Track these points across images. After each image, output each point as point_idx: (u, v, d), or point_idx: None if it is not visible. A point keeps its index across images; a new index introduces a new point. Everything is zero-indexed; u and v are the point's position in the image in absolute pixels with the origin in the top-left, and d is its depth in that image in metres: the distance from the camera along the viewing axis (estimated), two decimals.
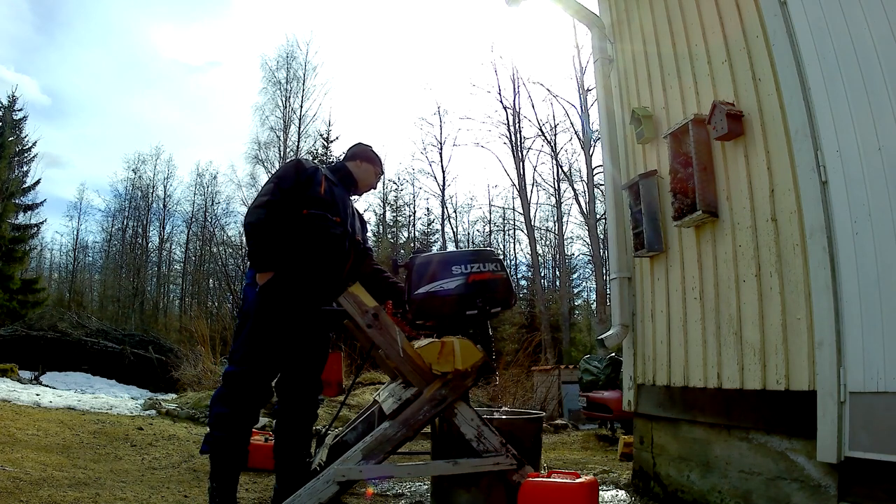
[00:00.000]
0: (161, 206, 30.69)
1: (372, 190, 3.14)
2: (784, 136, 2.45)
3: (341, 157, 3.09)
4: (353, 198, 3.00)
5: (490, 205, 29.43)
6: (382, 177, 3.17)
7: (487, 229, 29.76)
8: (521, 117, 22.97)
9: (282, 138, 26.23)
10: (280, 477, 2.70)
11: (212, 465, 2.50)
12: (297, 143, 26.11)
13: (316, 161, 3.00)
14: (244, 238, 2.74)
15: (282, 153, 25.73)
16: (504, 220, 29.19)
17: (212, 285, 28.23)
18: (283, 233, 2.57)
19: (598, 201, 19.87)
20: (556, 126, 22.70)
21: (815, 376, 2.22)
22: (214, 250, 27.05)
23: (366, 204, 28.09)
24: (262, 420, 4.90)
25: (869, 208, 2.05)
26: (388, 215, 28.69)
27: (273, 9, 41.01)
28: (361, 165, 2.97)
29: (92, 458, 3.76)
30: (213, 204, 29.76)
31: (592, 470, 4.09)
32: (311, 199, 2.62)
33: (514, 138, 22.88)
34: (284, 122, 26.42)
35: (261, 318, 2.54)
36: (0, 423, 4.34)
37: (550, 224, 26.81)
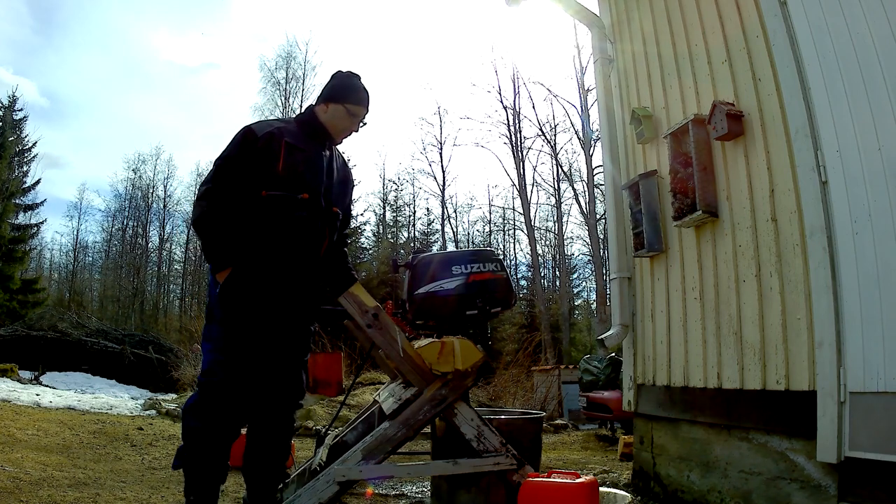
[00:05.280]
0: (161, 206, 30.73)
1: (353, 133, 2.41)
2: (784, 136, 2.45)
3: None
4: (336, 149, 2.48)
5: (490, 205, 29.45)
6: (365, 113, 2.42)
7: (487, 229, 29.78)
8: (522, 117, 22.99)
9: None
10: (249, 491, 2.36)
11: (186, 480, 2.20)
12: None
13: (276, 121, 2.41)
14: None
15: None
16: (504, 220, 29.21)
17: None
18: (238, 220, 2.19)
19: (598, 201, 19.87)
20: (556, 126, 22.74)
21: (815, 376, 2.22)
22: None
23: (365, 204, 28.07)
24: None
25: (869, 208, 2.05)
26: (388, 215, 28.72)
27: (272, 9, 41.05)
28: (328, 109, 2.36)
29: (92, 458, 3.76)
30: None
31: (592, 470, 4.08)
32: (268, 176, 2.20)
33: (514, 138, 22.89)
34: None
35: (227, 324, 2.22)
36: (0, 423, 4.35)
37: (550, 224, 26.85)
